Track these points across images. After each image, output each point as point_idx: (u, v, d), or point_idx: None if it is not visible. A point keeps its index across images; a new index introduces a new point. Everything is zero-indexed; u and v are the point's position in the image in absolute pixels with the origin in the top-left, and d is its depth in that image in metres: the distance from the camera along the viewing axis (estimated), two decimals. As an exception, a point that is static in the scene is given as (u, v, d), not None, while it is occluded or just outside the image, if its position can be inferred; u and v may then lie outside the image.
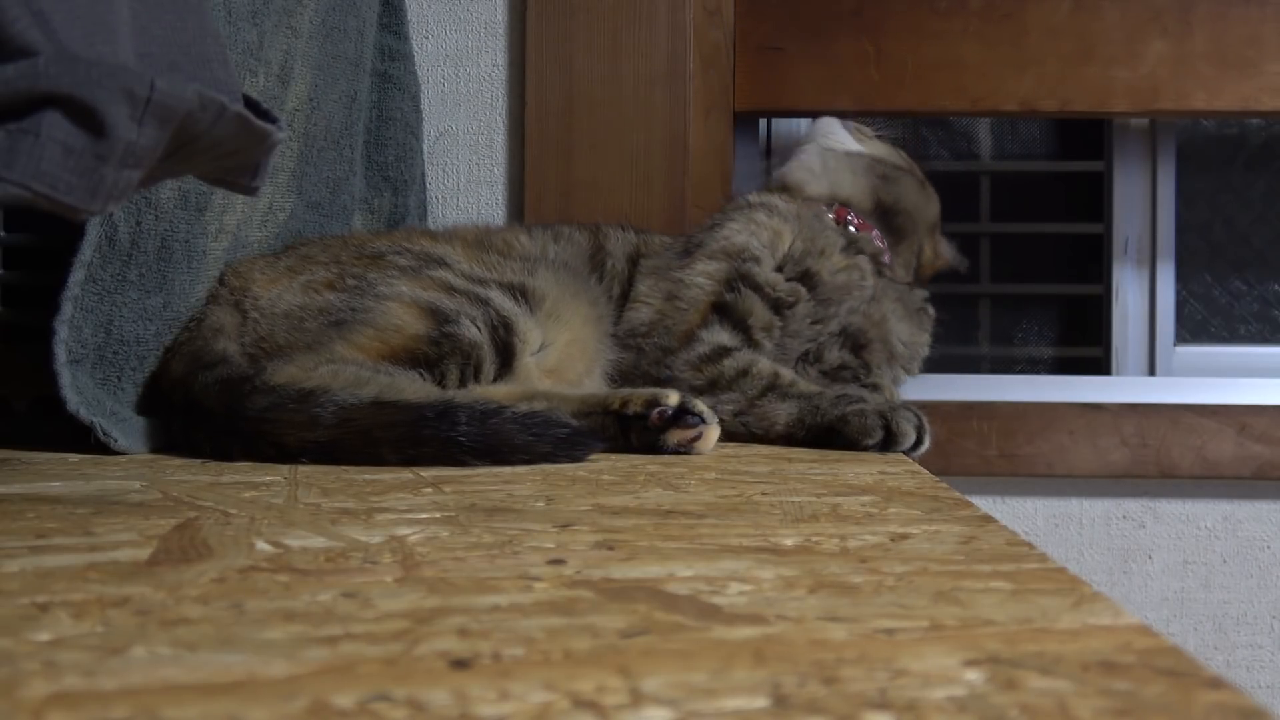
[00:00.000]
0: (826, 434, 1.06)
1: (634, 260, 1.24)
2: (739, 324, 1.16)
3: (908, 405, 1.08)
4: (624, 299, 1.21)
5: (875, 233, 1.31)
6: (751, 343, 1.17)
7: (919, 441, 1.05)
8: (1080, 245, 1.73)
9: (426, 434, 0.86)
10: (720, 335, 1.15)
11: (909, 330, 1.31)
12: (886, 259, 1.30)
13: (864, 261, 1.26)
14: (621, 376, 1.15)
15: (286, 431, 0.88)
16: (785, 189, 1.34)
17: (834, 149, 1.39)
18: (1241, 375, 1.60)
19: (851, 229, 1.29)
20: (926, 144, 1.38)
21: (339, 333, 1.02)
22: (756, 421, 1.09)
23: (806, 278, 1.20)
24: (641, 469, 0.85)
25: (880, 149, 1.42)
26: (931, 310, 1.36)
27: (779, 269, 1.20)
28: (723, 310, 1.17)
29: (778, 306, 1.19)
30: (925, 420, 1.06)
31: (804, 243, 1.21)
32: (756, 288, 1.18)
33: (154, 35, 0.57)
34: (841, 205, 1.31)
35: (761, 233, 1.21)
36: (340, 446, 0.87)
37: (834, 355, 1.24)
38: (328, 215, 1.29)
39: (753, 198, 1.29)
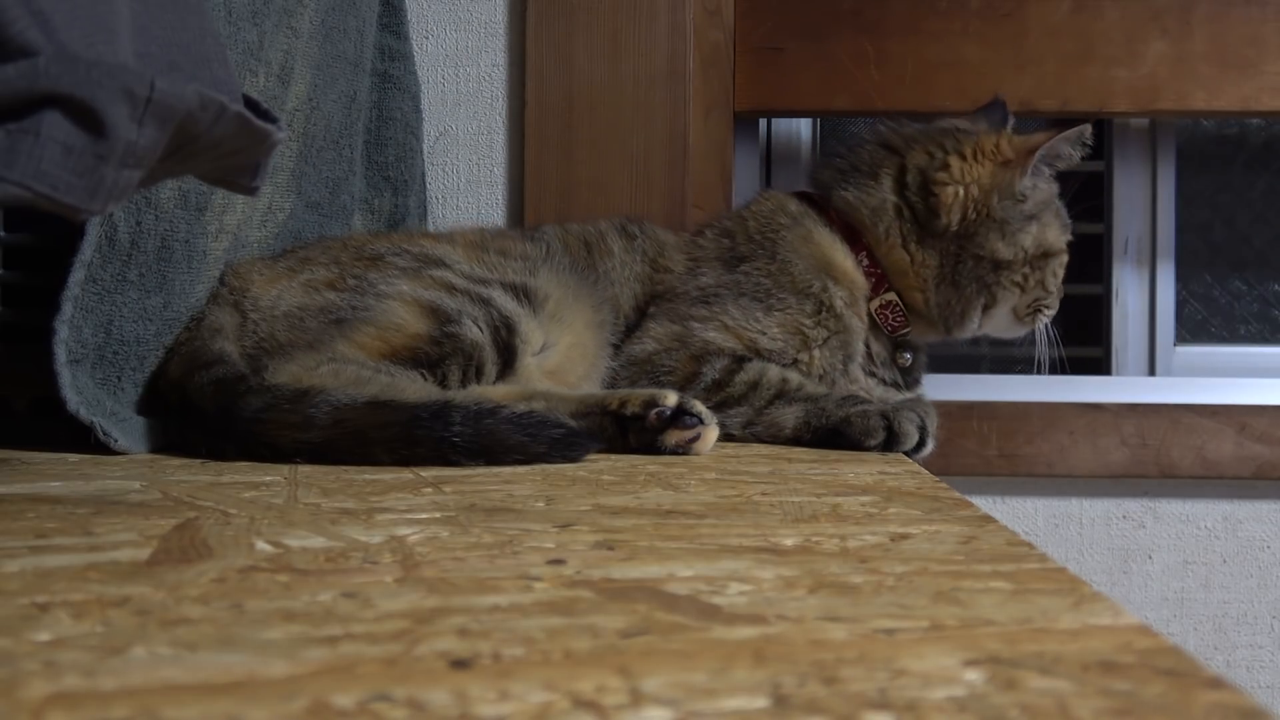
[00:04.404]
0: (831, 435, 1.06)
1: (646, 282, 1.22)
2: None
3: (914, 406, 1.08)
4: (633, 313, 1.20)
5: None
6: None
7: (922, 443, 1.05)
8: (1080, 245, 1.72)
9: (420, 434, 0.85)
10: (725, 362, 1.13)
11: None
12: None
13: (887, 374, 1.22)
14: (622, 383, 1.15)
15: (281, 432, 0.88)
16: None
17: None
18: (1241, 375, 1.60)
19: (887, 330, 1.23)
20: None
21: (340, 331, 1.01)
22: (765, 430, 1.09)
23: (822, 380, 1.18)
24: (641, 469, 0.85)
25: None
26: None
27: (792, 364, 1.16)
28: (737, 360, 1.14)
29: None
30: (930, 421, 1.06)
31: (824, 366, 1.17)
32: (767, 366, 1.14)
33: (154, 35, 0.57)
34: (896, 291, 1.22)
35: (794, 339, 1.16)
36: (334, 447, 0.87)
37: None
38: (327, 215, 1.29)
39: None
